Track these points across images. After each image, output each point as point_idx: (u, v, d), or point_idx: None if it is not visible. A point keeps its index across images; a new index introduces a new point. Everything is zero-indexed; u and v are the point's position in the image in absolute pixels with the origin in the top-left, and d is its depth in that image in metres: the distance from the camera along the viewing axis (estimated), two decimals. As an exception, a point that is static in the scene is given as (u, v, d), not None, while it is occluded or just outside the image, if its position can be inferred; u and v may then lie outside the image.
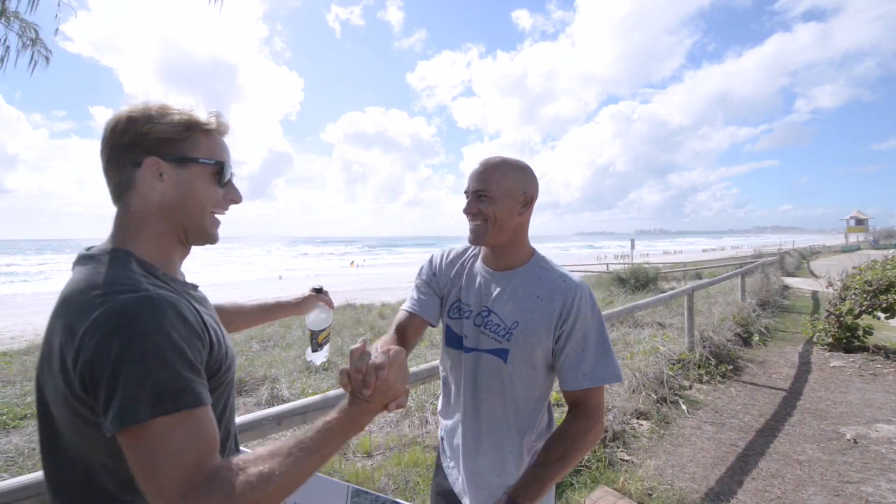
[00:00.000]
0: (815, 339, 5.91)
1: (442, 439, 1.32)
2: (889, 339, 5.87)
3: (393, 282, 24.20)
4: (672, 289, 10.85)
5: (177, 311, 0.67)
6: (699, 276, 15.18)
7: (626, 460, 2.99)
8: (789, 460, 3.00)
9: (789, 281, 13.02)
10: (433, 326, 1.25)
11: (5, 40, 4.62)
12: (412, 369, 1.75)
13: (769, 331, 6.54)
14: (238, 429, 1.12)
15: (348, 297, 12.47)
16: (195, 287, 0.86)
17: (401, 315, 1.22)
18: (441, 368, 1.31)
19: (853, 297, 5.74)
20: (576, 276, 1.13)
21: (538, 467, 1.05)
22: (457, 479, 1.22)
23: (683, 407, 3.83)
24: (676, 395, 4.05)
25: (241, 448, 0.96)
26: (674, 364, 4.55)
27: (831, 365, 5.02)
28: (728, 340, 5.46)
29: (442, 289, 1.25)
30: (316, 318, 1.32)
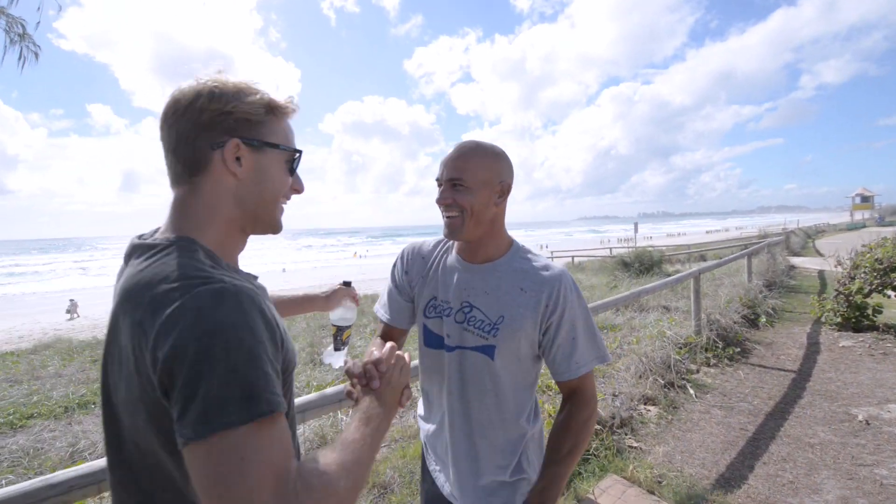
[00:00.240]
0: (823, 319, 5.83)
1: (425, 444, 1.27)
2: (899, 318, 5.79)
3: (396, 272, 24.21)
4: (677, 271, 10.80)
5: (256, 305, 0.60)
6: (704, 258, 15.08)
7: (635, 447, 2.96)
8: (801, 443, 2.95)
9: (795, 260, 12.88)
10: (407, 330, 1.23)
11: (-8, 36, 4.53)
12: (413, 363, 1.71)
13: (776, 311, 6.47)
14: None
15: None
16: (255, 277, 0.80)
17: (380, 327, 1.24)
18: (419, 370, 1.25)
19: (863, 275, 5.65)
20: (557, 265, 1.09)
21: (551, 466, 1.04)
22: (444, 483, 1.18)
23: (691, 391, 3.79)
24: (684, 379, 4.00)
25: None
26: (681, 348, 4.50)
27: (840, 345, 4.96)
28: (735, 323, 5.40)
29: (413, 288, 1.19)
30: (343, 314, 1.25)
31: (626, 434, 3.09)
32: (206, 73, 0.70)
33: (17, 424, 3.97)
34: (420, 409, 1.29)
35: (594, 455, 2.79)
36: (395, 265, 1.24)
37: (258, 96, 0.70)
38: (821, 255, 14.43)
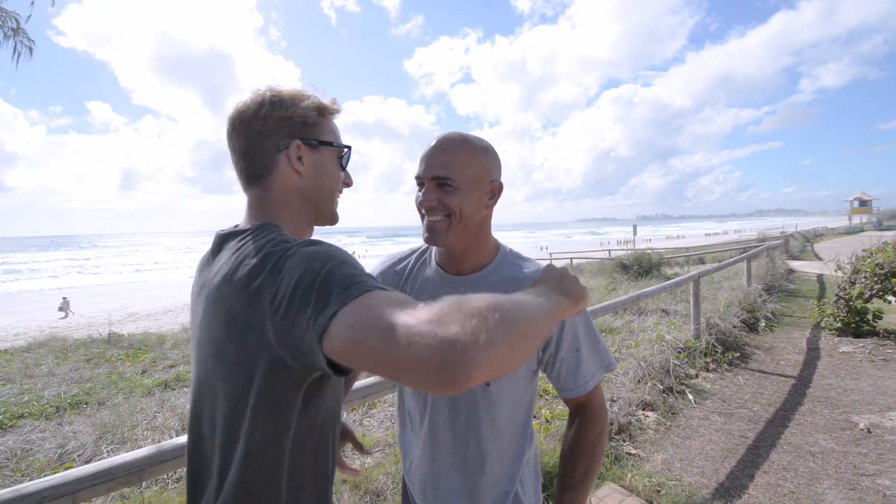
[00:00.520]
0: (823, 324, 5.79)
1: (405, 477, 1.12)
2: (899, 323, 5.75)
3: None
4: (676, 274, 10.76)
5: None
6: (702, 261, 15.04)
7: (633, 454, 2.91)
8: (802, 452, 2.90)
9: (794, 264, 12.85)
10: None
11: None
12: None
13: (775, 316, 6.43)
14: None
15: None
16: None
17: None
18: (397, 396, 1.12)
19: (863, 280, 5.61)
20: None
21: (569, 492, 0.95)
22: None
23: (690, 397, 3.74)
24: (683, 384, 3.95)
25: None
26: (680, 352, 4.45)
27: (840, 350, 4.92)
28: (734, 327, 5.36)
29: None
30: None
31: (624, 441, 3.04)
32: (261, 86, 0.78)
33: (6, 425, 3.90)
34: (398, 435, 1.15)
35: (592, 462, 2.74)
36: None
37: (310, 100, 0.78)
38: (820, 259, 14.40)
